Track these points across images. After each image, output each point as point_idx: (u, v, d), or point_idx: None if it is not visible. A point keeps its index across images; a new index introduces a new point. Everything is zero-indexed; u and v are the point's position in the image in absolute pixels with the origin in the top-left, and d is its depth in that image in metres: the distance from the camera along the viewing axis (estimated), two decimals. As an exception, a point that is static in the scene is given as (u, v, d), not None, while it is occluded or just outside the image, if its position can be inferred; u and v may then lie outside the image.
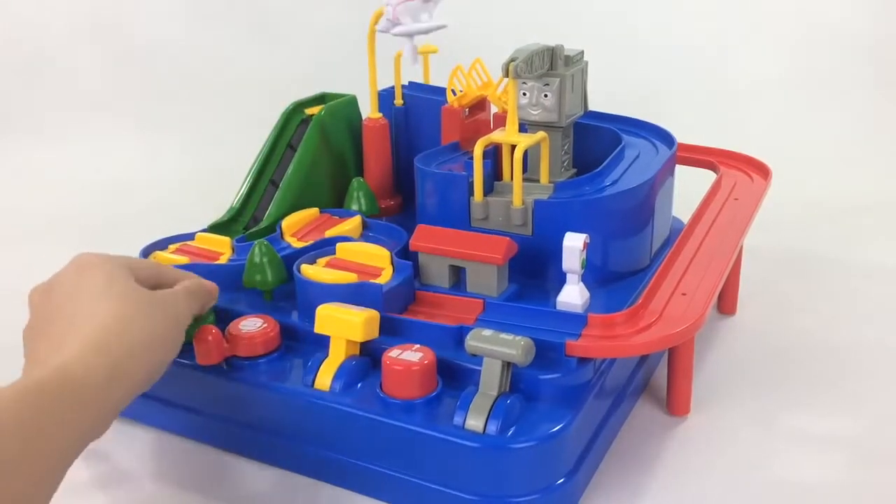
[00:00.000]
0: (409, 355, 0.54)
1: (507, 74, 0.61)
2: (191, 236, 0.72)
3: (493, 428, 0.51)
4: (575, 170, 0.72)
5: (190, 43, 1.31)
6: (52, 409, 0.43)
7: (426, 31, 0.71)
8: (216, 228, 0.74)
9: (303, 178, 0.75)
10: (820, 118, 1.20)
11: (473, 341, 0.53)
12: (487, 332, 0.53)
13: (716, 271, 0.62)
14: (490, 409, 0.51)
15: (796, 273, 0.86)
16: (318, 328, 0.57)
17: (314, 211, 0.74)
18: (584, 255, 0.58)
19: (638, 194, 0.65)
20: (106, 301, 0.50)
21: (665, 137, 0.73)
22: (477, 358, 0.53)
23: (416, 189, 0.69)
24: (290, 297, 0.63)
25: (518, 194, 0.63)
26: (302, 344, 0.61)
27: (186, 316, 0.55)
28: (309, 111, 0.79)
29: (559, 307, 0.59)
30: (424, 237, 0.64)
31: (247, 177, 0.77)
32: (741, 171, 0.80)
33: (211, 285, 0.60)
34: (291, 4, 1.31)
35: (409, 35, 0.70)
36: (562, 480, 0.52)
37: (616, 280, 0.65)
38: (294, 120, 0.79)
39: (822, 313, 0.78)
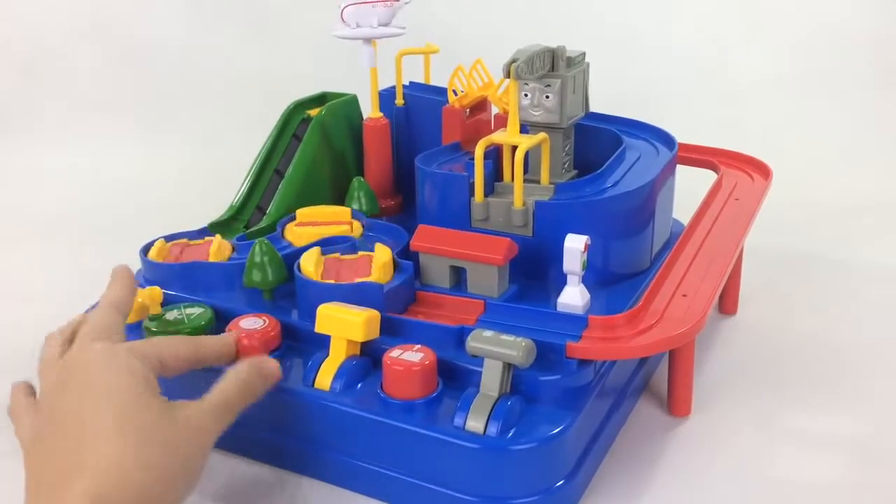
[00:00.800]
0: (409, 356, 0.54)
1: (508, 75, 0.61)
2: (191, 234, 0.72)
3: (493, 429, 0.51)
4: (576, 171, 0.72)
5: (190, 43, 1.31)
6: None
7: (369, 38, 0.72)
8: (217, 226, 0.74)
9: (303, 178, 0.75)
10: (820, 118, 1.20)
11: (474, 342, 0.53)
12: (488, 333, 0.53)
13: (716, 272, 0.62)
14: (491, 411, 0.51)
15: (797, 273, 0.86)
16: (319, 328, 0.57)
17: (346, 210, 0.73)
18: (584, 257, 0.58)
19: (639, 196, 0.65)
20: (116, 438, 0.44)
21: (666, 139, 0.73)
22: (477, 359, 0.53)
23: (417, 189, 0.69)
24: (290, 297, 0.63)
25: (519, 195, 0.63)
26: (302, 343, 0.60)
27: (211, 439, 0.49)
28: (309, 112, 0.79)
29: (560, 308, 0.59)
30: (425, 237, 0.64)
31: (248, 174, 0.77)
32: (742, 171, 0.80)
33: (272, 369, 0.54)
34: (291, 4, 1.30)
35: (352, 39, 0.72)
36: (562, 482, 0.52)
37: (617, 281, 0.65)
38: (294, 120, 0.79)
39: (823, 313, 0.78)
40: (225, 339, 0.57)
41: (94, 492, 0.42)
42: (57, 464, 0.44)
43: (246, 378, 0.52)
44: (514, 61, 0.61)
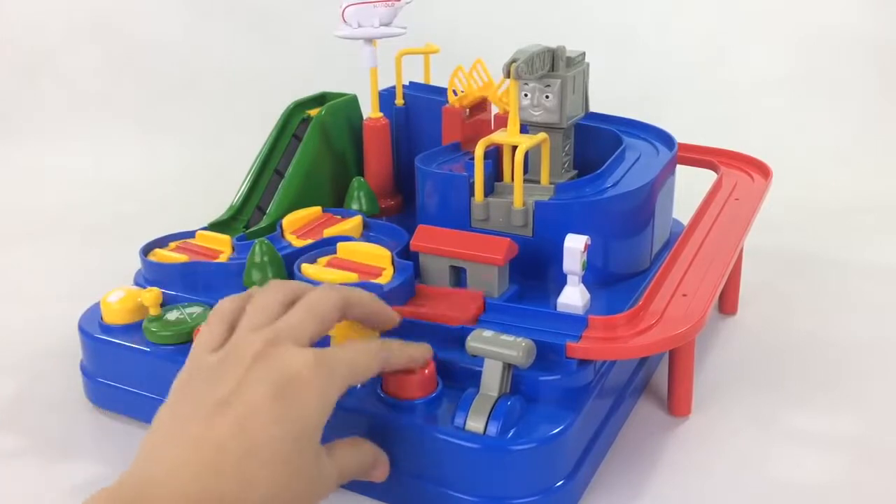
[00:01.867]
0: (409, 356, 0.54)
1: (508, 75, 0.61)
2: (191, 234, 0.72)
3: (493, 429, 0.51)
4: (576, 171, 0.72)
5: (190, 43, 1.31)
6: None
7: (370, 38, 0.73)
8: (216, 226, 0.74)
9: (303, 178, 0.75)
10: (820, 118, 1.20)
11: (474, 342, 0.53)
12: (488, 334, 0.53)
13: (716, 272, 0.62)
14: (491, 411, 0.51)
15: (797, 273, 0.86)
16: None
17: (316, 210, 0.74)
18: (584, 257, 0.58)
19: (639, 196, 0.65)
20: (271, 466, 0.43)
21: (666, 139, 0.73)
22: (477, 359, 0.53)
23: (417, 189, 0.69)
24: (290, 298, 0.63)
25: (519, 195, 0.63)
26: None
27: (324, 495, 0.48)
28: (309, 112, 0.79)
29: (560, 309, 0.59)
30: (425, 237, 0.64)
31: (248, 174, 0.77)
32: (742, 170, 0.80)
33: (384, 472, 0.52)
34: (291, 4, 1.30)
35: (353, 39, 0.72)
36: (562, 482, 0.52)
37: (617, 281, 0.65)
38: (294, 120, 0.79)
39: (823, 313, 0.78)
40: (422, 350, 0.54)
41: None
42: (207, 399, 0.44)
43: (366, 466, 0.51)
44: (514, 61, 0.61)
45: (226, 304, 0.51)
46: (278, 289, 0.51)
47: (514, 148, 0.63)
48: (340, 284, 0.55)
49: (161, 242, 0.72)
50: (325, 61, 1.15)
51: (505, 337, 0.52)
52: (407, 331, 0.58)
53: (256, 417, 0.43)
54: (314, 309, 0.49)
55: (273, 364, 0.45)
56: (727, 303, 0.78)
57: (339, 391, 0.47)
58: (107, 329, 0.64)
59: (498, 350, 0.52)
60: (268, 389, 0.44)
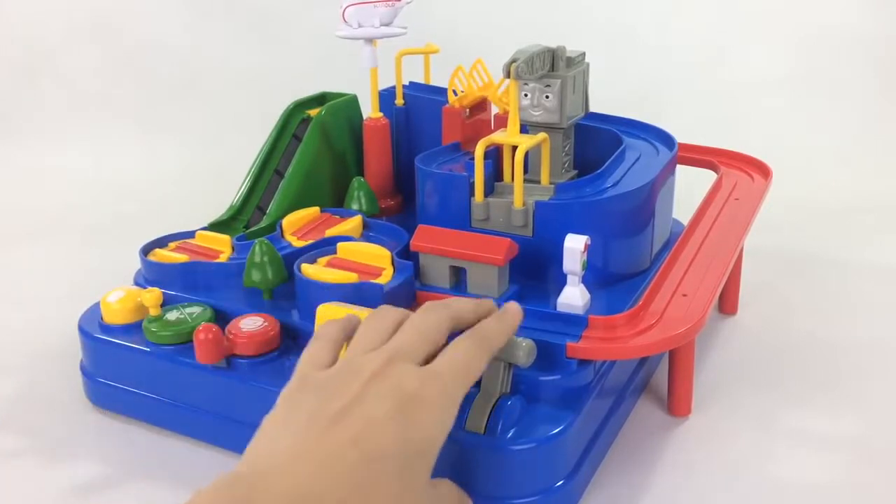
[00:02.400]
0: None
1: (508, 75, 0.61)
2: (191, 234, 0.72)
3: (493, 429, 0.51)
4: (576, 171, 0.72)
5: (190, 43, 1.31)
6: None
7: (371, 38, 0.73)
8: (216, 227, 0.74)
9: (303, 178, 0.75)
10: (820, 118, 1.20)
11: (474, 342, 0.53)
12: (488, 333, 0.53)
13: (716, 272, 0.62)
14: (491, 411, 0.51)
15: (797, 273, 0.86)
16: None
17: (314, 210, 0.74)
18: (584, 257, 0.58)
19: (639, 196, 0.65)
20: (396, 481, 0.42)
21: (666, 139, 0.73)
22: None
23: (417, 189, 0.69)
24: (290, 297, 0.63)
25: (519, 195, 0.63)
26: (302, 343, 0.60)
27: None
28: (309, 112, 0.79)
29: (560, 308, 0.59)
30: (425, 237, 0.64)
31: (248, 174, 0.77)
32: (742, 170, 0.80)
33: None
34: (291, 4, 1.30)
35: (354, 39, 0.72)
36: (562, 482, 0.52)
37: (617, 281, 0.65)
38: (294, 120, 0.79)
39: (823, 313, 0.78)
40: (513, 315, 0.53)
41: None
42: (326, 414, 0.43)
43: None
44: (514, 61, 0.61)
45: (333, 326, 0.51)
46: (387, 314, 0.51)
47: (514, 148, 0.63)
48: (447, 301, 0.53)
49: (161, 242, 0.72)
50: (325, 61, 1.15)
51: (505, 337, 0.52)
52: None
53: (375, 430, 0.43)
54: (426, 332, 0.48)
55: (393, 382, 0.44)
56: (727, 303, 0.78)
57: (458, 406, 0.46)
58: (107, 329, 0.64)
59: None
60: (389, 406, 0.43)
